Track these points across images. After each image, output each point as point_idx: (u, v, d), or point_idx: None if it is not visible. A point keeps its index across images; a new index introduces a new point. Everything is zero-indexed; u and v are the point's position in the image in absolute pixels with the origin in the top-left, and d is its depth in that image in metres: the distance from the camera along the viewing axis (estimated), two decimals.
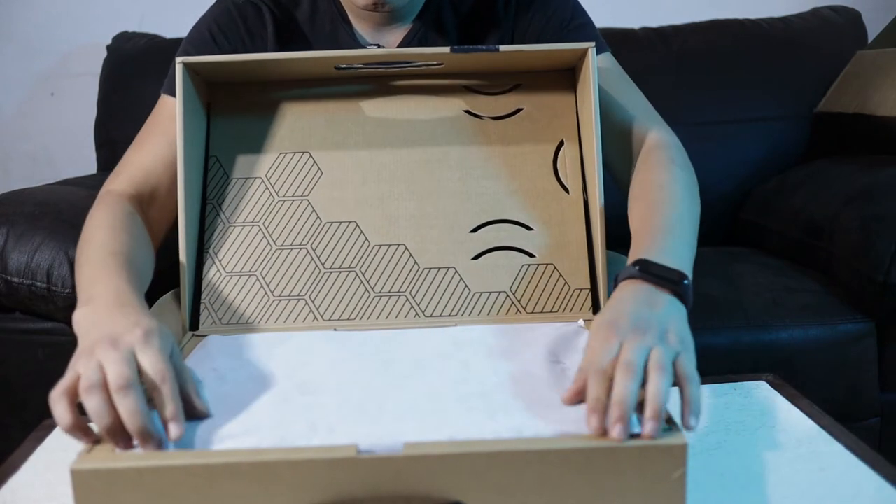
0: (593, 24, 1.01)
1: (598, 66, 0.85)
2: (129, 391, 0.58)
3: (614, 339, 0.62)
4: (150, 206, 0.90)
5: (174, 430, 0.59)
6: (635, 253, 0.74)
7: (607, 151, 0.90)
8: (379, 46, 1.01)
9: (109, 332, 0.63)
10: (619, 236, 0.93)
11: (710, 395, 0.84)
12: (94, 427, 0.60)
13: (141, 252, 0.82)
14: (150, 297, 0.82)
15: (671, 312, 0.66)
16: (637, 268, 0.69)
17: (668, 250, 0.72)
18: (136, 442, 0.59)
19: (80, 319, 0.69)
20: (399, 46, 1.01)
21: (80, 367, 0.60)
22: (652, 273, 0.68)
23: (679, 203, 0.81)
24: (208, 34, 0.98)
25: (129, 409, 0.58)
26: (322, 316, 0.85)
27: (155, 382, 0.60)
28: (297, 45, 1.00)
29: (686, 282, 0.68)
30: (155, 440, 0.58)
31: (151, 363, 0.61)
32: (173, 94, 0.87)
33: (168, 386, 0.60)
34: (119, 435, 0.58)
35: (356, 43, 1.01)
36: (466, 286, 0.86)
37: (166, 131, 0.91)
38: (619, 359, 0.60)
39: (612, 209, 0.87)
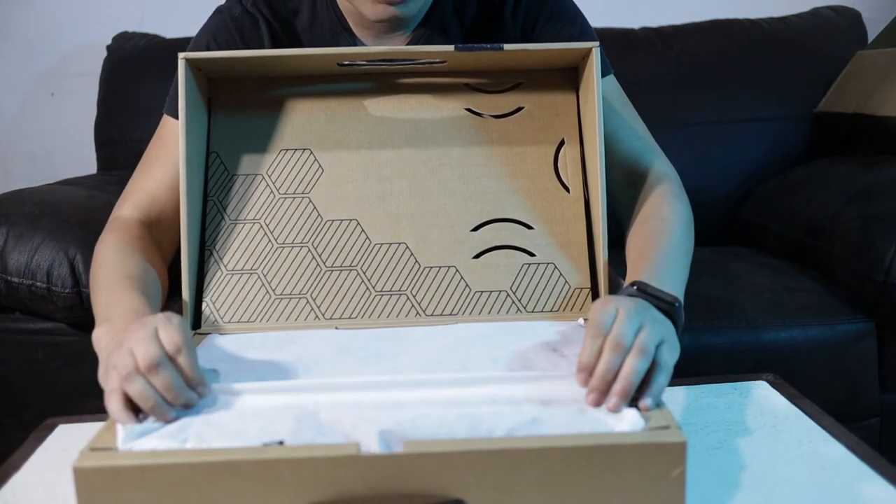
0: (601, 43, 1.01)
1: (602, 89, 0.86)
2: (160, 369, 0.62)
3: (611, 304, 0.66)
4: (158, 229, 0.92)
5: (200, 392, 0.64)
6: (633, 276, 0.79)
7: (610, 183, 0.93)
8: None
9: (135, 324, 0.66)
10: (619, 236, 0.93)
11: (710, 395, 0.85)
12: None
13: (151, 275, 0.85)
14: None
15: (664, 318, 0.71)
16: (635, 287, 0.74)
17: (662, 277, 0.78)
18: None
19: (101, 336, 0.72)
20: None
21: (114, 361, 0.63)
22: (648, 293, 0.73)
23: (677, 235, 0.86)
24: (206, 49, 0.98)
25: (164, 385, 0.62)
26: (323, 315, 0.85)
27: (171, 353, 0.63)
28: None
29: (678, 304, 0.73)
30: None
31: (168, 336, 0.64)
32: (175, 115, 0.89)
33: (184, 356, 0.63)
34: (164, 411, 0.62)
35: None
36: (467, 285, 0.86)
37: (170, 154, 0.92)
38: (612, 330, 0.64)
39: (612, 209, 0.87)
